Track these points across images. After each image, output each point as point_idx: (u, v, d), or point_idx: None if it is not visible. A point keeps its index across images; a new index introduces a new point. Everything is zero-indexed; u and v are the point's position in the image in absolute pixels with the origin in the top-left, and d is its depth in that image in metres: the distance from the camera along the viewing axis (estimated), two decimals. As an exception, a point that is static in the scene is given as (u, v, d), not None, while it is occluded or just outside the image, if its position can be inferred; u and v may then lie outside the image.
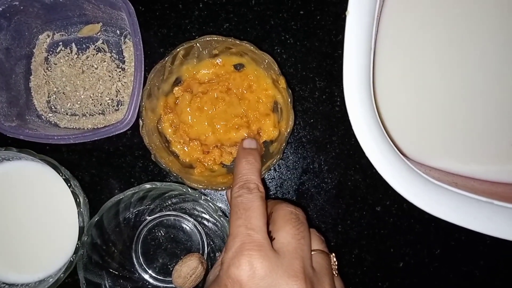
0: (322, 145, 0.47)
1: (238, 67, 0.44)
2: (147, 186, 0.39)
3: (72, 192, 0.39)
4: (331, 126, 0.47)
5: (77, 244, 0.39)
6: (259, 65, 0.42)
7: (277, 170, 0.47)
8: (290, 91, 0.40)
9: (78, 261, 0.39)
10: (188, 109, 0.42)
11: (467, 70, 0.44)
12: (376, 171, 0.47)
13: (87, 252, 0.40)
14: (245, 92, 0.43)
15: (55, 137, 0.40)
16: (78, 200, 0.39)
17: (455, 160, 0.43)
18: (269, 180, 0.47)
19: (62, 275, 0.39)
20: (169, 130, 0.43)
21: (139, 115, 0.40)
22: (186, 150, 0.43)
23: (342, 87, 0.47)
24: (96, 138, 0.41)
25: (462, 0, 0.43)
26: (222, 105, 0.42)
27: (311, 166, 0.47)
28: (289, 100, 0.40)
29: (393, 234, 0.47)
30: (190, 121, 0.42)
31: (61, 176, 0.40)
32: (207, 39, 0.40)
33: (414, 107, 0.44)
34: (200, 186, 0.40)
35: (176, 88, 0.43)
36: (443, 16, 0.43)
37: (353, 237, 0.47)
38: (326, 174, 0.47)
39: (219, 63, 0.43)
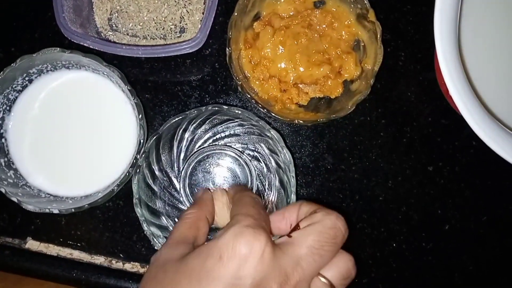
0: (382, 98, 0.46)
1: (318, 4, 0.43)
2: (215, 108, 0.38)
3: (136, 104, 0.38)
4: (392, 81, 0.46)
5: (135, 157, 0.38)
6: (342, 0, 0.41)
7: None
8: (379, 24, 0.39)
9: (134, 176, 0.38)
10: (269, 44, 0.41)
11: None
12: (433, 131, 0.47)
13: (143, 169, 0.39)
14: (326, 29, 0.42)
15: (123, 47, 0.39)
16: (141, 114, 0.38)
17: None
18: (324, 128, 0.46)
19: (115, 187, 0.38)
20: (249, 66, 0.42)
21: (227, 44, 0.39)
22: (265, 86, 0.42)
23: (407, 43, 0.47)
24: (165, 55, 0.40)
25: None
26: (304, 41, 0.41)
27: (368, 118, 0.46)
28: (379, 34, 0.39)
29: (442, 196, 0.46)
30: (271, 56, 0.41)
31: (127, 87, 0.38)
32: None
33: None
34: (283, 118, 0.39)
35: (256, 23, 0.42)
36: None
37: (402, 195, 0.46)
38: (382, 128, 0.46)
39: None
